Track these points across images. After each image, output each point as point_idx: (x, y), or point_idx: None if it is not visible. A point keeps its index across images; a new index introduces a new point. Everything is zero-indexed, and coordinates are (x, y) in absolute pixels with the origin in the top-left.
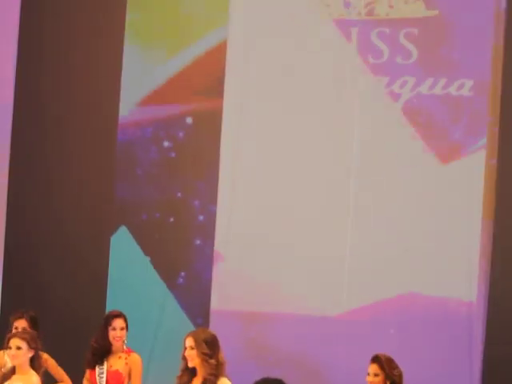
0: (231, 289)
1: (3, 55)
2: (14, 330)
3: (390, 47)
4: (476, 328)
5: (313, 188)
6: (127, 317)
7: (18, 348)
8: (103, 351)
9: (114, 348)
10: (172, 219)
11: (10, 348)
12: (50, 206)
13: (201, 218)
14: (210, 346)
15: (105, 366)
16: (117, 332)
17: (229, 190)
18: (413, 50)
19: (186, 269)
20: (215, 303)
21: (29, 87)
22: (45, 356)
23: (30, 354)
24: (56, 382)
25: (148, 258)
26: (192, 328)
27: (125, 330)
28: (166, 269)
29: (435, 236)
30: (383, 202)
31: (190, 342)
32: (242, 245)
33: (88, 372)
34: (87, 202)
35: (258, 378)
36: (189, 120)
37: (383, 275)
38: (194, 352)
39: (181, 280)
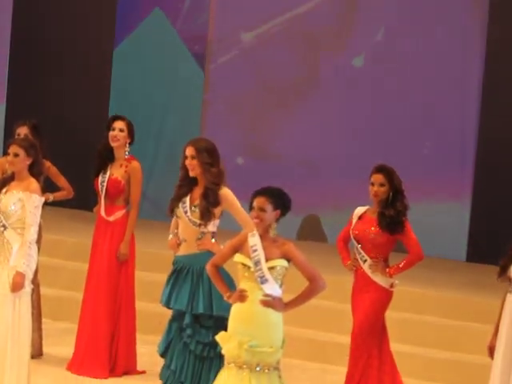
0: None
1: None
2: (16, 137)
3: None
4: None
5: None
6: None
7: (16, 155)
8: (106, 156)
9: (116, 154)
10: None
11: (9, 154)
12: None
13: None
14: (210, 155)
15: (107, 174)
16: (114, 132)
17: None
18: None
19: None
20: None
21: None
22: (47, 163)
23: (28, 161)
24: (58, 189)
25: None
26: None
27: (124, 133)
28: None
29: None
30: None
31: (190, 151)
32: None
33: (95, 180)
34: None
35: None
36: None
37: None
38: (196, 161)
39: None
